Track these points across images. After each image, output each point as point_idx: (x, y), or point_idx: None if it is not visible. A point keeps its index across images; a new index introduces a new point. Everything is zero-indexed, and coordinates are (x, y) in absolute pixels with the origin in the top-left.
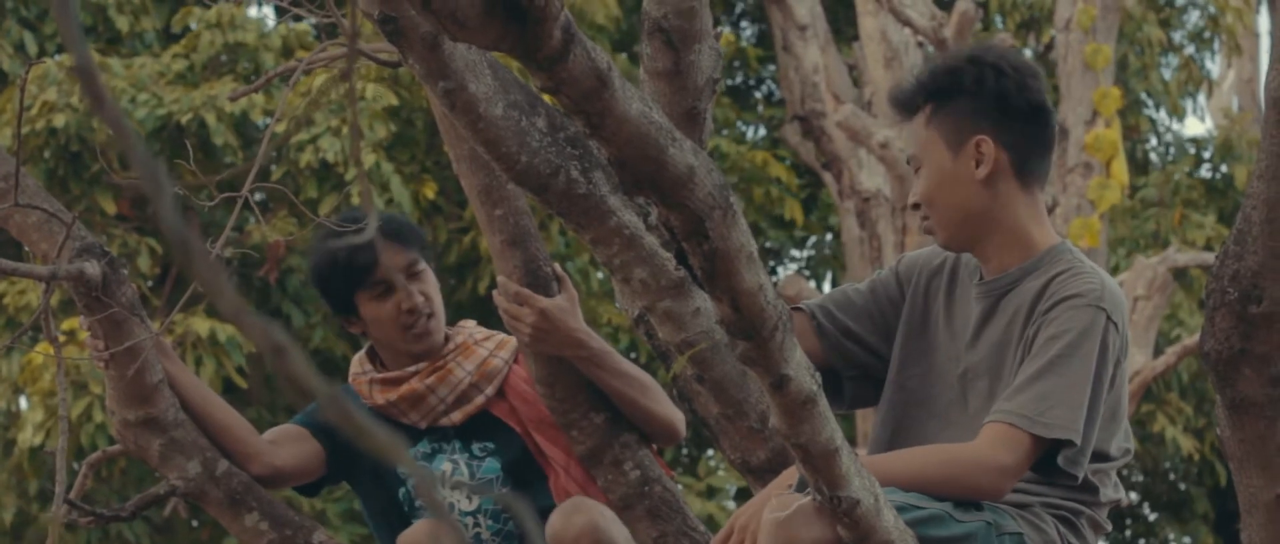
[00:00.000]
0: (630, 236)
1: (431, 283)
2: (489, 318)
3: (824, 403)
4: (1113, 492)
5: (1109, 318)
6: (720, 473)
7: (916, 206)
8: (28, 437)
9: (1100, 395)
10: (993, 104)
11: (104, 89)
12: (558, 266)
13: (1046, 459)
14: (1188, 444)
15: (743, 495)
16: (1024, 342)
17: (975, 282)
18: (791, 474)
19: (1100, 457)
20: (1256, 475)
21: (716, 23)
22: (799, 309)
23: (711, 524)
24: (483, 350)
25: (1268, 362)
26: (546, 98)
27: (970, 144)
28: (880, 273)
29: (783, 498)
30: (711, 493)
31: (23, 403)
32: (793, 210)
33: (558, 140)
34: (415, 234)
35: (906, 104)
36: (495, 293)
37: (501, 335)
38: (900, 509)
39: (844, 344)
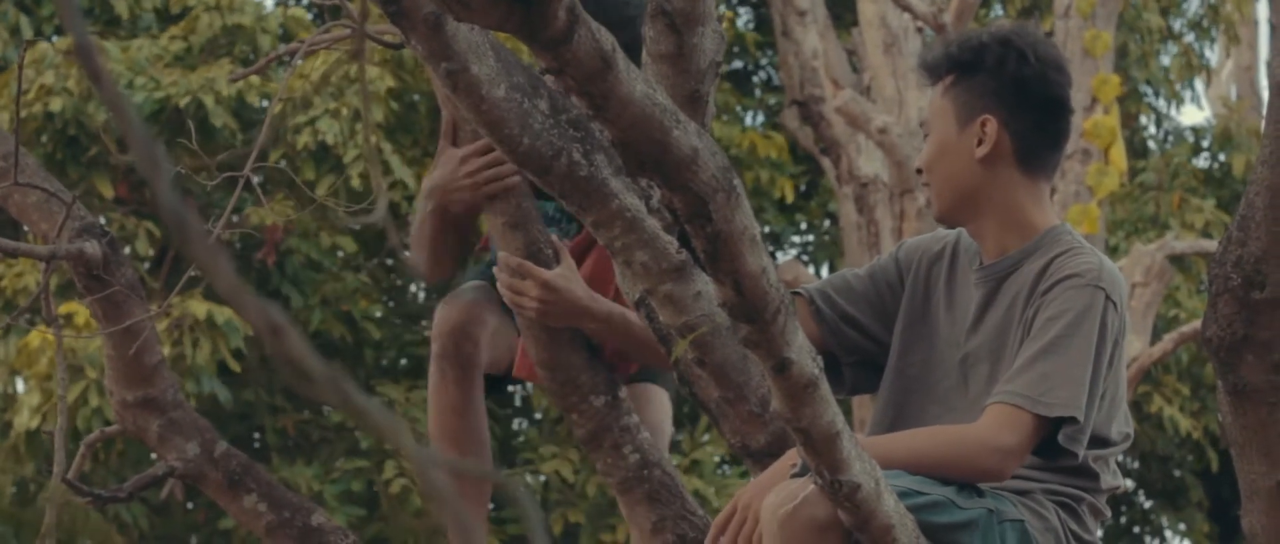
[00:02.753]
0: (632, 219)
1: None
2: None
3: (826, 387)
4: (1112, 478)
5: (1108, 297)
6: (707, 447)
7: (919, 171)
8: (24, 420)
9: (1100, 374)
10: (1009, 88)
11: (103, 68)
12: (555, 239)
13: (1047, 442)
14: (1185, 423)
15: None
16: (1023, 323)
17: (975, 266)
18: (793, 456)
19: (1101, 442)
20: (1258, 462)
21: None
22: (798, 294)
23: (708, 508)
24: None
25: (1270, 348)
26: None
27: (976, 122)
28: (880, 259)
29: (786, 485)
30: (694, 466)
31: (19, 386)
32: (784, 188)
33: (560, 122)
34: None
35: (932, 70)
36: (495, 269)
37: None
38: (902, 495)
39: (843, 330)
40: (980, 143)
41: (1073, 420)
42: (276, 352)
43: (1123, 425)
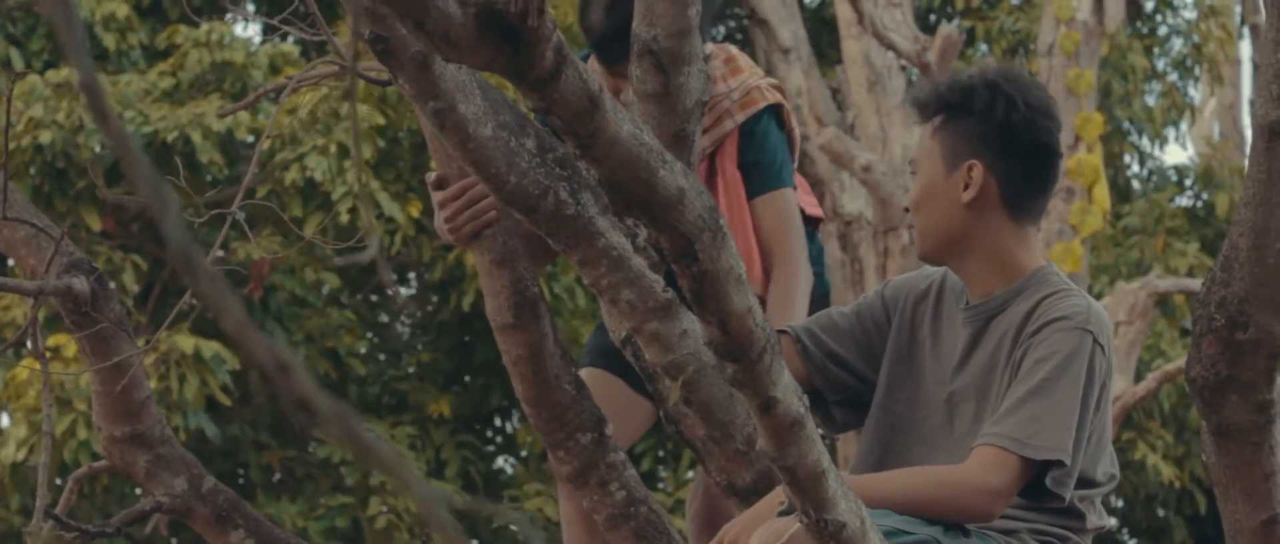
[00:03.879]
0: (618, 258)
1: None
2: (473, 336)
3: (811, 426)
4: (1098, 518)
5: (1095, 340)
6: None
7: (907, 210)
8: (10, 453)
9: (1087, 417)
10: (996, 133)
11: (108, 105)
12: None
13: (1033, 482)
14: (1168, 472)
15: None
16: (1011, 365)
17: (961, 306)
18: (780, 494)
19: (1086, 482)
20: (1241, 502)
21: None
22: (784, 332)
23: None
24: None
25: (1254, 388)
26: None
27: (963, 167)
28: (866, 297)
29: (772, 524)
30: (678, 506)
31: (4, 420)
32: None
33: (546, 161)
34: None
35: (922, 108)
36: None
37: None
38: (888, 534)
39: (829, 368)
40: (967, 187)
41: (1059, 464)
42: (284, 390)
43: (1108, 466)
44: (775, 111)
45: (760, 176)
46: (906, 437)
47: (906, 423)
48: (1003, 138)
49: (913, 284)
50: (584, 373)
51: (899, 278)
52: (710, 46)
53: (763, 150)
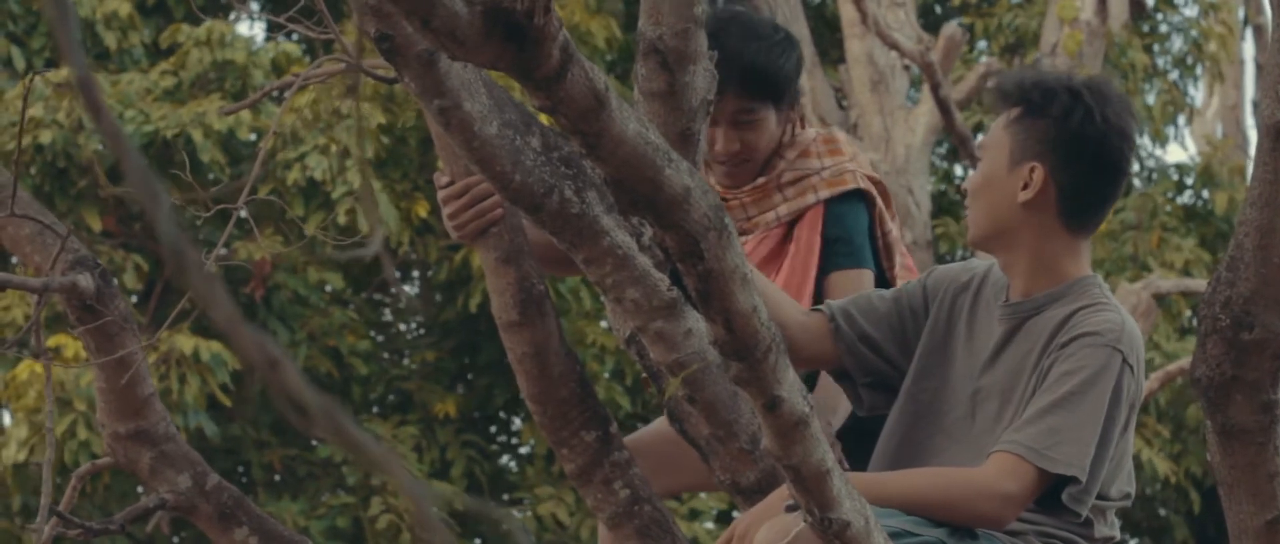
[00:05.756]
0: (623, 257)
1: (764, 132)
2: (478, 335)
3: (816, 425)
4: (1108, 528)
5: (1125, 360)
6: (702, 496)
7: (962, 193)
8: (11, 453)
9: (1111, 437)
10: (1067, 141)
11: (102, 102)
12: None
13: (1049, 493)
14: (1164, 467)
15: (723, 519)
16: (1038, 372)
17: (1000, 302)
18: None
19: (1099, 496)
20: (1246, 502)
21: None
22: (818, 310)
23: None
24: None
25: (1259, 388)
26: (543, 118)
27: (1026, 166)
28: (908, 283)
29: (780, 520)
30: (694, 516)
31: (5, 419)
32: None
33: (552, 160)
34: (766, 82)
35: (1004, 97)
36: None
37: (834, 167)
38: (894, 535)
39: (859, 349)
40: (1026, 187)
41: (1075, 480)
42: (273, 385)
43: (1124, 485)
44: (863, 198)
45: (840, 252)
46: (929, 426)
47: (930, 412)
48: (1072, 147)
49: (955, 275)
50: (653, 425)
51: (943, 268)
52: (814, 131)
53: (844, 227)
